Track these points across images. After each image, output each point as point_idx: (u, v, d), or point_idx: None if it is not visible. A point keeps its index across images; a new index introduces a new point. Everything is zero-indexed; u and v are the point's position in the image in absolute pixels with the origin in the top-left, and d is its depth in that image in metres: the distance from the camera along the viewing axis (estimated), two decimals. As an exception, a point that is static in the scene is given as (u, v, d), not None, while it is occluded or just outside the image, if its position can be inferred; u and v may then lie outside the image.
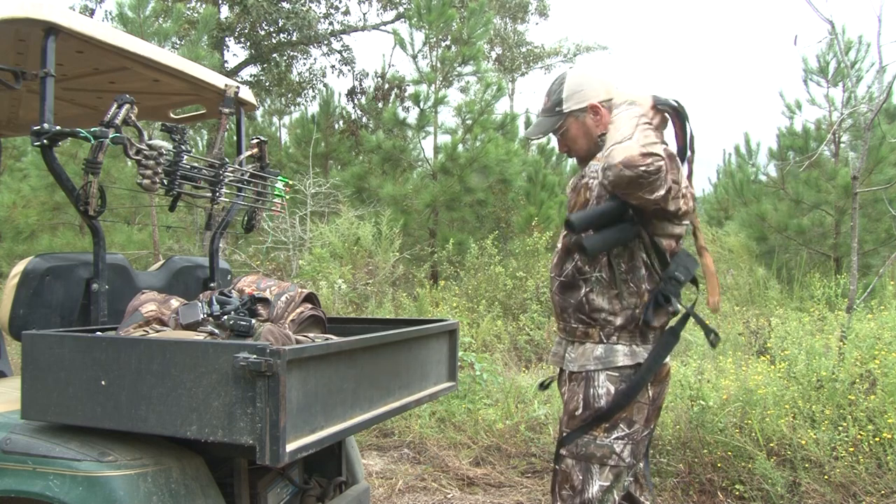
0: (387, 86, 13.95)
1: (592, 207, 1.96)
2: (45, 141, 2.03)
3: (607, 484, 1.93)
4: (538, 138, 2.14)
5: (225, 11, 15.51)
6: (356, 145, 12.28)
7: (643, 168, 1.74)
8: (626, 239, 1.91)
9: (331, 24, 17.12)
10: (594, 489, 1.92)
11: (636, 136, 1.79)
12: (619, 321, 1.95)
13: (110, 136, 2.02)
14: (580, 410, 1.95)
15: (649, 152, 1.75)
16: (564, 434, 2.00)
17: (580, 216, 1.92)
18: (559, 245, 2.16)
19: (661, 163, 1.76)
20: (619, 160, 1.76)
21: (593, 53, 22.26)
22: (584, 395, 1.95)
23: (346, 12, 17.25)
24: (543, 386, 2.36)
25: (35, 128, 2.02)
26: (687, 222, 2.01)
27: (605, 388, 1.94)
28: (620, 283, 1.95)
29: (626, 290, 1.95)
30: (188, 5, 14.49)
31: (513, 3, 19.69)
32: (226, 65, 15.41)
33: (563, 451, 1.97)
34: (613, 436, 1.92)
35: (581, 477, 1.92)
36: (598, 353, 1.96)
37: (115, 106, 2.06)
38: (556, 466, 2.01)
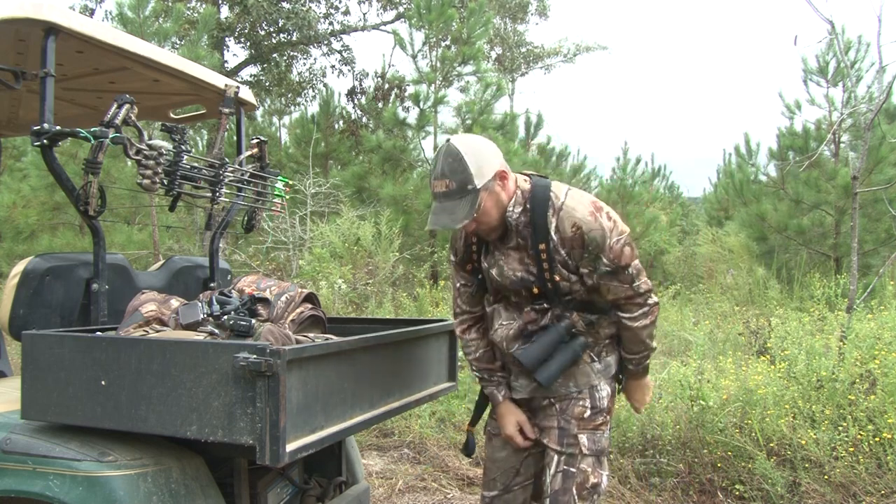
0: (387, 86, 13.95)
1: (536, 345, 2.01)
2: (45, 141, 2.03)
3: (607, 472, 2.12)
4: (460, 227, 1.90)
5: (225, 11, 15.51)
6: (356, 145, 12.28)
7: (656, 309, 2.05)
8: (577, 355, 2.01)
9: (331, 24, 17.12)
10: (605, 479, 2.09)
11: (635, 264, 1.98)
12: (604, 341, 2.12)
13: (110, 136, 2.02)
14: (588, 413, 2.08)
15: (651, 288, 2.03)
16: (581, 435, 2.05)
17: (529, 358, 2.00)
18: (511, 317, 2.10)
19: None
20: (651, 329, 2.07)
21: (593, 53, 22.27)
22: (592, 402, 2.09)
23: (346, 12, 17.25)
24: (470, 452, 2.38)
25: (35, 128, 2.02)
26: None
27: (605, 391, 2.12)
28: (604, 312, 2.09)
29: (602, 321, 2.09)
30: (188, 5, 14.49)
31: (513, 3, 19.67)
32: (226, 65, 15.41)
33: (584, 450, 2.05)
34: (607, 433, 2.13)
35: (599, 472, 2.07)
36: (597, 368, 2.12)
37: (115, 106, 2.06)
38: (571, 469, 2.03)
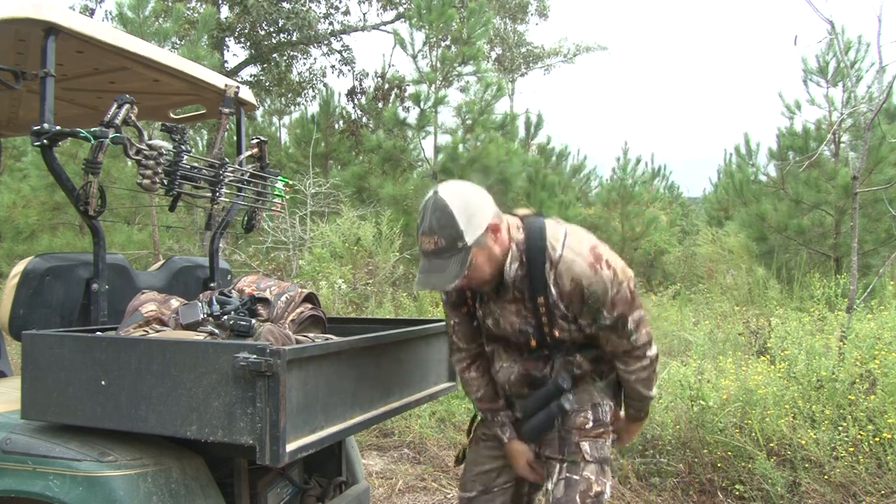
0: (387, 86, 13.96)
1: (532, 398, 2.01)
2: (45, 141, 2.03)
3: (611, 481, 2.08)
4: (450, 289, 1.82)
5: (225, 11, 15.52)
6: (356, 145, 12.28)
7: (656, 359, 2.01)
8: (551, 421, 1.99)
9: (331, 24, 17.13)
10: (608, 489, 2.04)
11: (637, 308, 1.92)
12: (609, 363, 2.09)
13: (110, 136, 2.02)
14: (590, 425, 2.05)
15: (651, 339, 1.99)
16: (583, 443, 2.03)
17: (529, 429, 2.02)
18: (511, 359, 2.06)
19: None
20: (649, 382, 2.03)
21: (593, 53, 22.28)
22: (594, 416, 2.06)
23: (346, 12, 17.26)
24: (460, 461, 2.36)
25: (35, 128, 2.02)
26: None
27: (608, 406, 2.08)
28: (599, 355, 2.07)
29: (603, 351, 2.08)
30: (188, 5, 14.49)
31: (513, 3, 19.67)
32: (226, 65, 15.41)
33: (587, 457, 2.01)
34: (610, 440, 2.09)
35: (602, 479, 2.03)
36: (600, 386, 2.08)
37: (115, 106, 2.06)
38: (574, 476, 2.00)
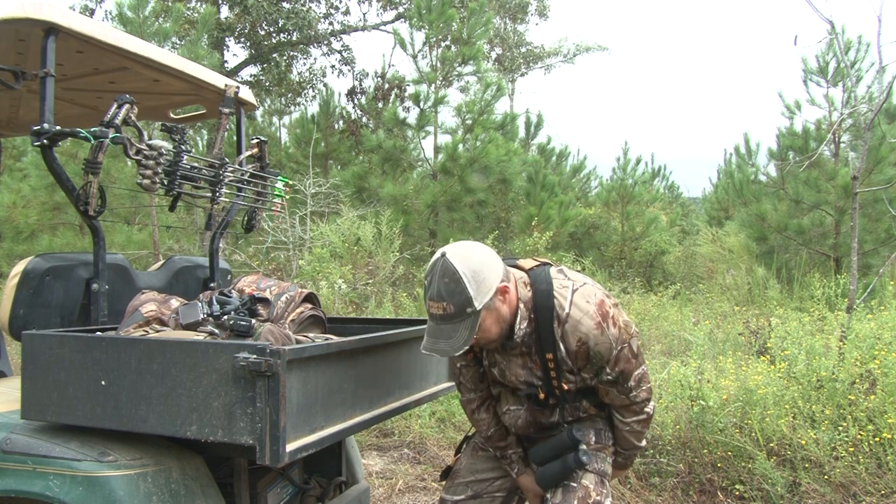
0: (387, 86, 13.94)
1: (546, 445, 2.03)
2: (45, 141, 2.03)
3: (611, 499, 2.09)
4: (458, 354, 1.79)
5: (225, 11, 15.50)
6: (356, 145, 12.28)
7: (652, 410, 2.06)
8: (568, 472, 2.00)
9: (331, 24, 17.12)
10: (608, 501, 2.05)
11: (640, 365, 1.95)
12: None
13: (110, 136, 2.02)
14: (593, 442, 2.09)
15: (650, 396, 2.02)
16: (585, 453, 2.05)
17: (535, 454, 2.05)
18: (518, 403, 2.08)
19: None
20: (641, 435, 2.08)
21: (593, 54, 22.27)
22: (596, 438, 2.10)
23: (346, 12, 17.24)
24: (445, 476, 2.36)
25: (35, 128, 2.02)
26: None
27: (609, 434, 2.13)
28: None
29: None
30: (188, 5, 14.48)
31: (513, 3, 19.67)
32: (226, 65, 15.41)
33: (588, 468, 2.03)
34: (610, 459, 2.12)
35: (601, 490, 2.04)
36: (603, 415, 2.14)
37: (115, 106, 2.06)
38: (572, 483, 2.02)
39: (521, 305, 1.88)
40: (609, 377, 1.91)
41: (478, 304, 1.75)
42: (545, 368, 1.93)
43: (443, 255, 1.79)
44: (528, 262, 1.99)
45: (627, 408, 2.01)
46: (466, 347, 1.77)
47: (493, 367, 2.04)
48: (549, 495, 2.04)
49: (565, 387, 1.95)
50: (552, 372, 1.93)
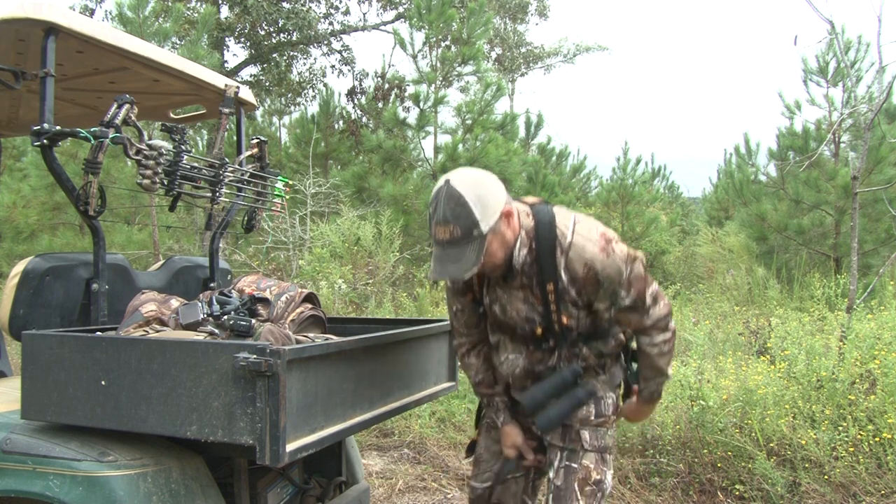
0: (387, 86, 13.93)
1: (538, 389, 1.99)
2: (45, 141, 2.03)
3: (611, 471, 2.10)
4: (467, 277, 1.79)
5: (225, 11, 15.51)
6: (356, 145, 12.27)
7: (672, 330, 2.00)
8: (580, 404, 1.99)
9: (331, 24, 17.12)
10: (608, 477, 2.06)
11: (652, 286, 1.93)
12: (611, 355, 2.11)
13: (110, 136, 2.02)
14: (593, 417, 2.06)
15: (670, 310, 1.97)
16: (583, 431, 2.04)
17: (532, 399, 1.98)
18: (517, 350, 2.06)
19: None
20: (669, 356, 2.01)
21: (593, 53, 22.29)
22: (596, 409, 2.07)
23: (346, 12, 17.25)
24: (471, 451, 2.35)
25: (35, 128, 2.03)
26: None
27: (610, 398, 2.10)
28: (608, 334, 2.07)
29: (611, 332, 2.08)
30: (188, 5, 14.48)
31: (513, 3, 19.68)
32: (226, 65, 15.41)
33: (586, 446, 2.03)
34: (611, 431, 2.11)
35: (601, 468, 2.04)
36: (602, 379, 2.09)
37: (115, 106, 2.06)
38: (573, 465, 2.02)
39: (523, 232, 1.90)
40: (626, 302, 1.90)
41: (484, 227, 1.77)
42: (545, 301, 1.92)
43: (446, 181, 1.80)
44: (529, 200, 2.02)
45: (654, 327, 1.97)
46: (476, 270, 1.78)
47: (494, 304, 2.03)
48: (550, 474, 2.03)
49: (565, 320, 1.93)
50: (552, 304, 1.92)
